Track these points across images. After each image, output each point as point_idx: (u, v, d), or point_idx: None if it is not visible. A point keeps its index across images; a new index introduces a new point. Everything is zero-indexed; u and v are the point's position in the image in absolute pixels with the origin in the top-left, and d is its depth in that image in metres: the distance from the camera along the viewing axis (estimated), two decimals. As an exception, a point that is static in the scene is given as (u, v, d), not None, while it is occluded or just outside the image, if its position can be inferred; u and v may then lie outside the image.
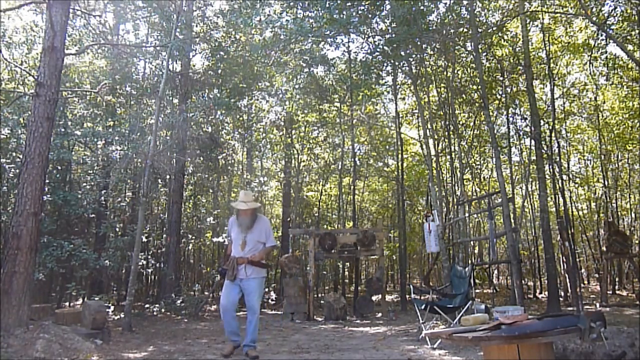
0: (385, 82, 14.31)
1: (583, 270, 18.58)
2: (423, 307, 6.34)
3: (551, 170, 12.10)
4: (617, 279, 15.80)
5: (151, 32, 13.05)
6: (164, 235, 13.09)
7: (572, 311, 8.35)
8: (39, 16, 11.33)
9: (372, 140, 17.03)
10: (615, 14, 11.31)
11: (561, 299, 10.55)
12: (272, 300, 14.97)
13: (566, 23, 13.00)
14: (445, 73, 13.36)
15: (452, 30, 11.13)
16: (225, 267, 5.10)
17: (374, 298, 11.21)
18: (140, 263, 10.96)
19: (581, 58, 13.99)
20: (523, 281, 11.94)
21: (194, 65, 13.13)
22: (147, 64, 12.56)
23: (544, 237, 10.26)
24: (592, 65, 13.51)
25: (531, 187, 15.30)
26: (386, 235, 16.89)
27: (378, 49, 11.55)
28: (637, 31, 11.14)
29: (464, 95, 13.49)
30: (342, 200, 17.57)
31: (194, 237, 15.77)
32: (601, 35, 11.75)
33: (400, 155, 13.62)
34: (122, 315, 8.28)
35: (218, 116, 13.16)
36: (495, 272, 20.15)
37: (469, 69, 13.23)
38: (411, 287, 7.81)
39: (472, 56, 11.48)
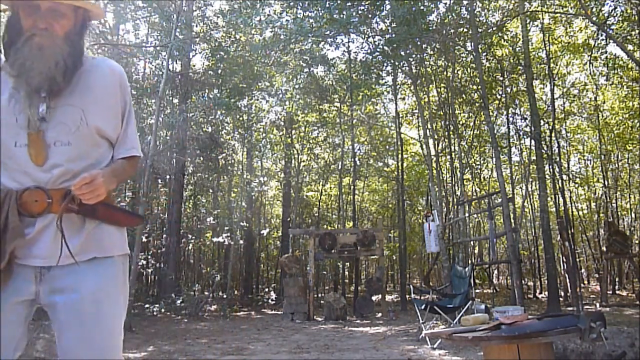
0: (385, 82, 14.31)
1: (583, 270, 18.58)
2: (423, 307, 6.34)
3: (551, 170, 12.09)
4: (617, 279, 15.79)
5: (151, 32, 13.06)
6: (164, 235, 13.10)
7: (572, 311, 8.35)
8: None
9: (372, 140, 17.03)
10: (615, 14, 11.32)
11: (561, 299, 10.55)
12: (272, 300, 14.96)
13: (566, 23, 13.00)
14: (445, 73, 13.36)
15: (452, 30, 11.13)
16: None
17: (374, 298, 11.21)
18: (140, 263, 10.96)
19: (581, 58, 13.99)
20: (523, 281, 11.94)
21: (194, 65, 13.14)
22: (147, 64, 12.56)
23: (544, 237, 10.26)
24: (592, 65, 13.51)
25: (531, 187, 15.30)
26: (386, 235, 16.90)
27: (378, 49, 11.56)
28: (637, 31, 11.14)
29: (464, 95, 13.49)
30: (342, 200, 17.57)
31: (194, 237, 15.77)
32: (601, 35, 11.74)
33: (400, 155, 13.62)
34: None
35: (218, 116, 13.17)
36: (495, 272, 20.14)
37: (469, 69, 13.23)
38: (411, 287, 7.81)
39: (472, 56, 11.48)
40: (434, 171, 11.53)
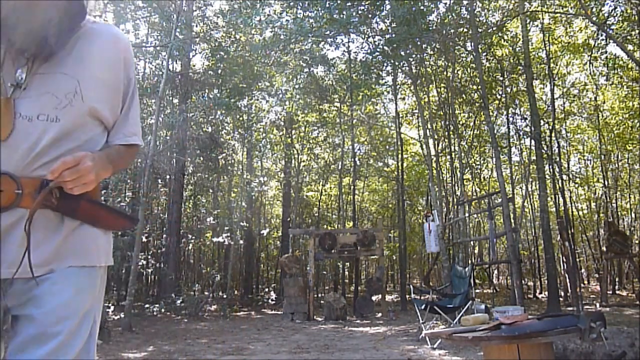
0: (385, 82, 14.32)
1: (583, 270, 18.58)
2: (423, 307, 6.35)
3: (551, 170, 12.10)
4: (617, 279, 15.80)
5: (151, 32, 13.07)
6: (164, 235, 13.11)
7: (572, 311, 8.35)
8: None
9: (372, 140, 17.03)
10: (615, 14, 11.32)
11: (561, 299, 10.55)
12: (272, 300, 14.97)
13: (566, 23, 13.00)
14: (445, 73, 13.36)
15: (452, 30, 11.14)
16: None
17: (374, 298, 11.22)
18: (140, 263, 10.97)
19: (581, 58, 13.99)
20: (523, 281, 11.94)
21: (194, 65, 13.15)
22: (147, 64, 12.57)
23: (544, 237, 10.26)
24: (592, 65, 13.51)
25: (531, 187, 15.31)
26: (386, 235, 16.90)
27: (378, 49, 11.56)
28: (637, 31, 11.14)
29: (464, 95, 13.50)
30: (342, 200, 17.57)
31: (194, 237, 15.78)
32: (601, 35, 11.75)
33: (400, 155, 13.62)
34: (122, 315, 8.28)
35: (218, 116, 13.18)
36: (495, 272, 20.15)
37: (469, 69, 13.24)
38: (411, 287, 7.81)
39: (472, 56, 11.48)
40: (434, 171, 11.53)
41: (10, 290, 1.06)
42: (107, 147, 1.24)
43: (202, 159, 13.11)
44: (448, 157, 14.86)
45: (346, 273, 18.67)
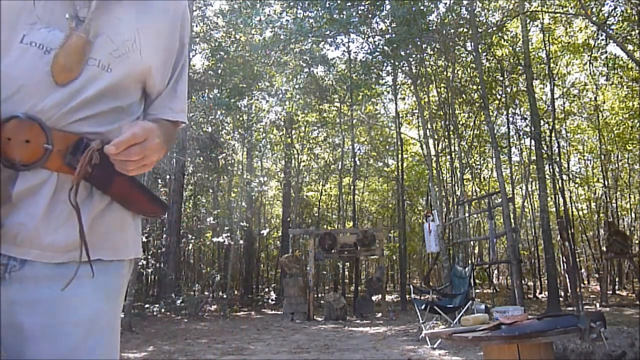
0: (385, 82, 14.33)
1: (583, 270, 18.58)
2: (423, 307, 6.35)
3: (551, 170, 12.10)
4: (617, 279, 15.79)
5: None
6: (164, 235, 13.11)
7: (572, 311, 8.35)
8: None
9: (372, 140, 17.04)
10: (615, 14, 11.33)
11: (561, 299, 10.55)
12: (272, 300, 14.98)
13: (566, 23, 13.00)
14: (445, 73, 13.36)
15: (452, 30, 11.14)
16: None
17: (374, 298, 11.22)
18: (140, 263, 10.98)
19: (581, 58, 13.99)
20: (523, 281, 11.94)
21: (194, 65, 13.14)
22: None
23: (544, 237, 10.27)
24: (592, 65, 13.52)
25: (531, 187, 15.31)
26: (386, 235, 16.90)
27: (378, 49, 11.57)
28: (637, 31, 11.15)
29: (464, 95, 13.50)
30: (342, 200, 17.58)
31: (194, 237, 15.78)
32: (601, 35, 11.75)
33: (400, 155, 13.62)
34: (122, 315, 8.28)
35: (218, 116, 13.18)
36: (495, 272, 20.15)
37: (469, 69, 13.24)
38: (411, 287, 7.81)
39: (472, 56, 11.49)
40: (434, 171, 11.54)
41: (18, 275, 0.80)
42: (151, 121, 0.95)
43: (202, 159, 13.11)
44: (448, 157, 14.86)
45: (346, 273, 18.67)
